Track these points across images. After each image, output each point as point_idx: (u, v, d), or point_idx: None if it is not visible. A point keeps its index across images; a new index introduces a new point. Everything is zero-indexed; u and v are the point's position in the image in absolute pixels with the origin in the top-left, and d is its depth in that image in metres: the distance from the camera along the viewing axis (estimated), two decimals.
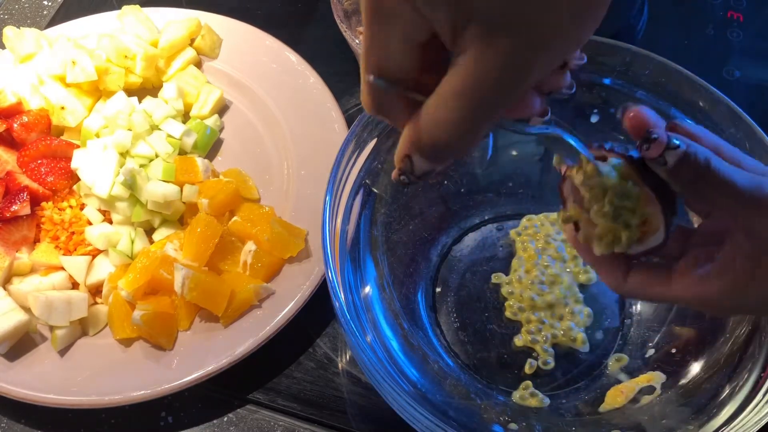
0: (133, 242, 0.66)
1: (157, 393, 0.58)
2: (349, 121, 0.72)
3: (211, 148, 0.74)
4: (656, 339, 0.59)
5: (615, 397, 0.56)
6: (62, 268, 0.65)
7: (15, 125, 0.70)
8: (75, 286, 0.65)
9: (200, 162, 0.69)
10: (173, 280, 0.61)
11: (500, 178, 0.68)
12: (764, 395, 0.47)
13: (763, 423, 0.45)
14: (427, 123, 0.31)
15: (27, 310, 0.61)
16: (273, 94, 0.76)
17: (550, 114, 0.35)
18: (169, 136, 0.71)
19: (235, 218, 0.66)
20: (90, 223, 0.67)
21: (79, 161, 0.67)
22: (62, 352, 0.62)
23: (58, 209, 0.68)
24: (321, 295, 0.62)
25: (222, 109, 0.77)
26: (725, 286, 0.39)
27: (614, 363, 0.59)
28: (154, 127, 0.71)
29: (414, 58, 0.31)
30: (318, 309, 0.63)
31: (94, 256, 0.66)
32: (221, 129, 0.76)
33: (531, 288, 0.62)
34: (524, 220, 0.66)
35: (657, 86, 0.58)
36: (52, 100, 0.72)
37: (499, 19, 0.27)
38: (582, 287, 0.63)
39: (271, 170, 0.72)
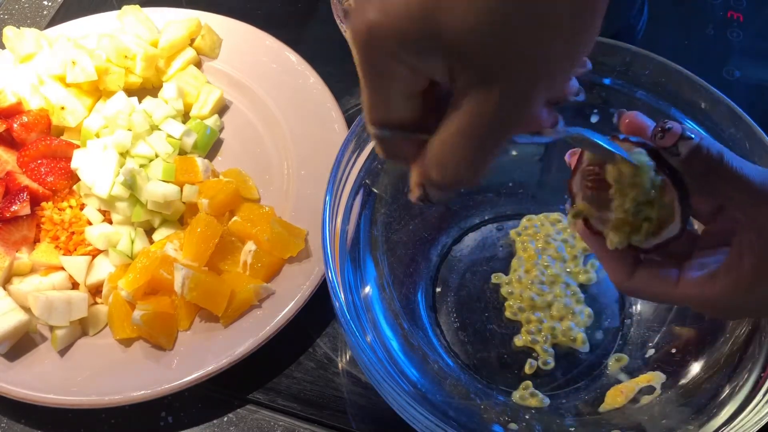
0: (133, 242, 0.66)
1: (157, 393, 0.58)
2: (349, 121, 0.72)
3: (211, 148, 0.74)
4: (656, 339, 0.59)
5: (615, 397, 0.56)
6: (62, 268, 0.65)
7: (15, 125, 0.70)
8: (75, 286, 0.65)
9: (200, 162, 0.69)
10: (173, 280, 0.61)
11: (500, 178, 0.68)
12: (764, 395, 0.47)
13: (763, 423, 0.45)
14: (434, 161, 0.32)
15: (27, 310, 0.61)
16: (273, 94, 0.76)
17: (561, 122, 0.35)
18: (169, 136, 0.71)
19: (235, 218, 0.66)
20: (90, 223, 0.67)
21: (79, 161, 0.67)
22: (62, 352, 0.62)
23: (58, 209, 0.68)
24: (321, 295, 0.62)
25: (222, 109, 0.77)
26: (731, 284, 0.39)
27: (614, 363, 0.59)
28: (154, 127, 0.71)
29: (414, 107, 0.32)
30: (318, 309, 0.63)
31: (94, 256, 0.66)
32: (221, 129, 0.76)
33: (531, 288, 0.62)
34: (524, 220, 0.66)
35: (657, 86, 0.58)
36: (52, 100, 0.72)
37: (488, 66, 0.28)
38: (582, 287, 0.63)
39: (271, 170, 0.72)
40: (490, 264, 0.65)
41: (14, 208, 0.64)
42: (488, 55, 0.28)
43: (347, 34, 0.31)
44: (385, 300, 0.59)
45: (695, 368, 0.54)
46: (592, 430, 0.55)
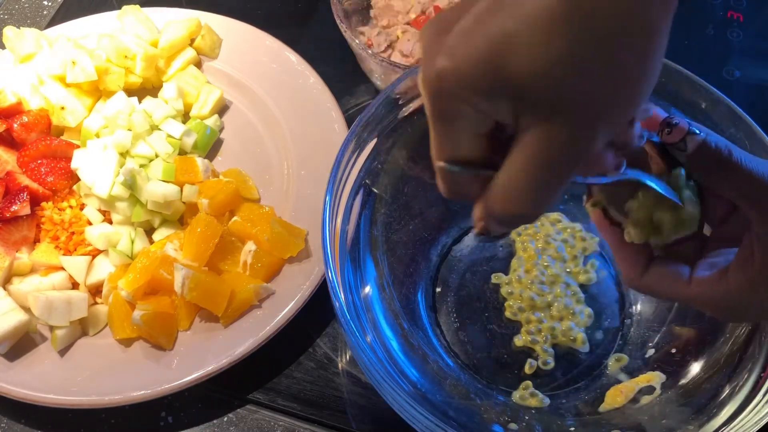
0: (133, 242, 0.66)
1: (157, 393, 0.58)
2: (349, 121, 0.72)
3: (211, 148, 0.74)
4: (656, 339, 0.59)
5: (615, 397, 0.56)
6: (62, 268, 0.65)
7: (15, 125, 0.70)
8: (75, 286, 0.65)
9: (200, 162, 0.69)
10: (173, 280, 0.61)
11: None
12: (764, 395, 0.47)
13: (763, 423, 0.45)
14: (498, 198, 0.33)
15: (27, 310, 0.61)
16: (273, 94, 0.76)
17: (624, 166, 0.36)
18: (169, 136, 0.71)
19: (235, 218, 0.66)
20: (90, 223, 0.67)
21: (79, 161, 0.67)
22: (62, 352, 0.62)
23: (58, 209, 0.68)
24: (321, 295, 0.62)
25: (222, 109, 0.77)
26: (742, 281, 0.39)
27: (614, 363, 0.59)
28: (154, 127, 0.71)
29: (481, 146, 0.33)
30: (318, 309, 0.63)
31: (94, 256, 0.66)
32: (221, 129, 0.76)
33: (531, 288, 0.62)
34: None
35: (657, 86, 0.57)
36: (52, 100, 0.72)
37: (553, 107, 0.29)
38: (582, 287, 0.63)
39: (271, 170, 0.72)
40: (490, 264, 0.65)
41: (14, 208, 0.64)
42: (553, 97, 0.29)
43: (419, 82, 0.32)
44: (385, 300, 0.59)
45: (695, 368, 0.54)
46: (592, 430, 0.55)
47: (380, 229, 0.62)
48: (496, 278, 0.64)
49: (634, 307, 0.62)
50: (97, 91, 0.75)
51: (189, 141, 0.71)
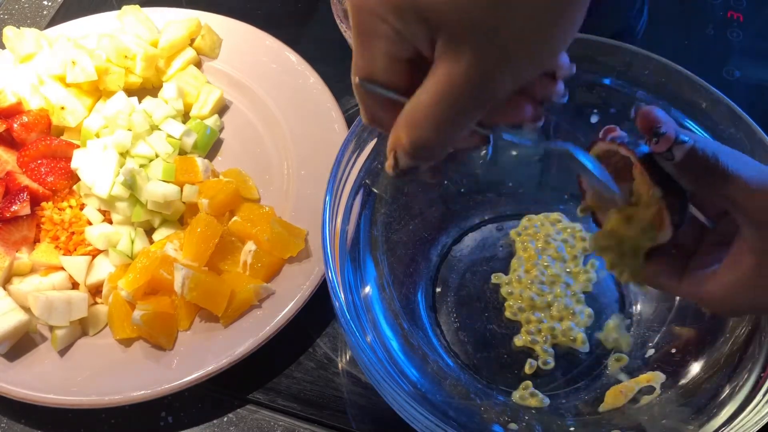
0: (133, 242, 0.66)
1: (157, 393, 0.58)
2: (349, 121, 0.72)
3: (211, 148, 0.74)
4: (656, 339, 0.59)
5: (615, 397, 0.56)
6: (62, 268, 0.65)
7: (15, 125, 0.70)
8: (75, 286, 0.65)
9: (200, 162, 0.69)
10: (173, 280, 0.61)
11: (500, 178, 0.68)
12: (764, 395, 0.47)
13: (763, 423, 0.45)
14: (405, 123, 0.34)
15: (27, 310, 0.61)
16: (273, 94, 0.76)
17: (543, 121, 0.37)
18: (169, 136, 0.71)
19: (235, 218, 0.66)
20: (90, 223, 0.67)
21: (79, 161, 0.67)
22: (62, 352, 0.62)
23: (58, 209, 0.68)
24: (321, 295, 0.62)
25: (222, 109, 0.77)
26: (732, 283, 0.39)
27: (614, 363, 0.59)
28: (154, 127, 0.71)
29: (400, 71, 0.34)
30: (318, 309, 0.63)
31: (94, 256, 0.66)
32: (221, 129, 0.76)
33: (531, 288, 0.62)
34: (524, 220, 0.66)
35: (657, 86, 0.58)
36: (52, 100, 0.72)
37: (462, 33, 0.30)
38: (582, 287, 0.63)
39: (271, 170, 0.72)
40: (490, 264, 0.65)
41: (14, 208, 0.64)
42: (461, 26, 0.30)
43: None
44: (385, 300, 0.59)
45: (695, 368, 0.54)
46: (592, 430, 0.55)
47: (380, 229, 0.62)
48: (496, 278, 0.64)
49: (634, 307, 0.62)
50: (97, 91, 0.75)
51: (189, 141, 0.71)
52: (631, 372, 0.58)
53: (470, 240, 0.67)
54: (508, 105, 0.36)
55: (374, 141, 0.58)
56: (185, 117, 0.75)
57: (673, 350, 0.57)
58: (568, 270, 0.63)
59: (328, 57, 0.79)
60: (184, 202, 0.68)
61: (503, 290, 0.63)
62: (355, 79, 0.35)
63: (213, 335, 0.62)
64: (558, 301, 0.61)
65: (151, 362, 0.61)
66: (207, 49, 0.79)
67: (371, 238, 0.60)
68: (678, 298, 0.60)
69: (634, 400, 0.55)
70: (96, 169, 0.67)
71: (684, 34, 0.81)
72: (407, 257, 0.64)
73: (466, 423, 0.54)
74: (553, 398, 0.57)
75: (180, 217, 0.69)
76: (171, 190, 0.66)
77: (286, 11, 0.87)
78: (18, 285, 0.63)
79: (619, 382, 0.57)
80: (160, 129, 0.71)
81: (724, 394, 0.50)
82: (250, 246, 0.64)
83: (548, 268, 0.63)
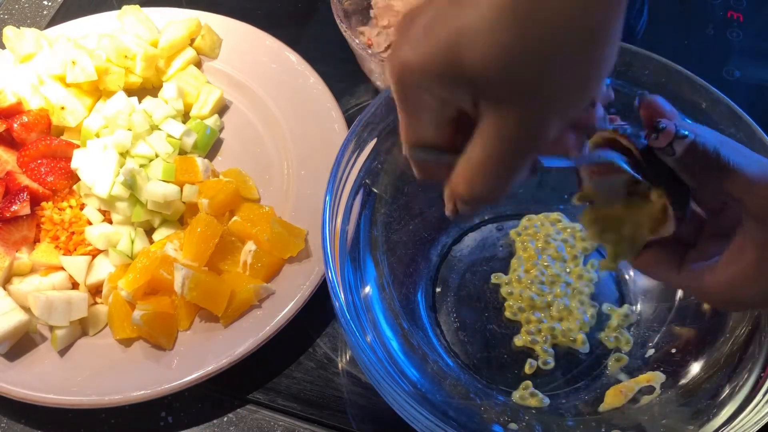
0: (133, 242, 0.66)
1: (157, 393, 0.58)
2: (349, 121, 0.72)
3: (211, 148, 0.74)
4: (656, 339, 0.59)
5: (615, 397, 0.56)
6: (62, 268, 0.65)
7: (15, 125, 0.70)
8: (75, 286, 0.65)
9: (200, 162, 0.69)
10: (173, 280, 0.61)
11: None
12: (764, 395, 0.47)
13: (763, 423, 0.45)
14: (459, 179, 0.35)
15: (27, 310, 0.61)
16: (273, 94, 0.76)
17: (587, 147, 0.38)
18: (169, 136, 0.71)
19: (235, 218, 0.66)
20: (90, 223, 0.67)
21: (79, 161, 0.67)
22: (62, 352, 0.62)
23: (58, 209, 0.68)
24: (321, 295, 0.62)
25: (222, 109, 0.77)
26: (734, 277, 0.39)
27: (614, 363, 0.59)
28: (154, 127, 0.71)
29: (446, 132, 0.35)
30: (318, 309, 0.63)
31: (94, 256, 0.66)
32: (221, 129, 0.76)
33: (531, 288, 0.62)
34: (524, 220, 0.66)
35: (657, 86, 0.58)
36: (52, 100, 0.72)
37: (503, 94, 0.31)
38: (581, 287, 0.63)
39: (271, 170, 0.72)
40: (490, 264, 0.65)
41: (14, 208, 0.64)
42: (503, 85, 0.31)
43: (386, 73, 0.36)
44: (385, 300, 0.59)
45: (695, 368, 0.54)
46: (592, 430, 0.55)
47: (380, 229, 0.62)
48: (496, 278, 0.64)
49: (634, 307, 0.62)
50: (97, 91, 0.75)
51: (189, 141, 0.71)
52: (631, 372, 0.58)
53: (470, 240, 0.67)
54: (555, 142, 0.36)
55: (374, 141, 0.58)
56: (185, 117, 0.75)
57: (673, 350, 0.57)
58: (568, 270, 0.63)
59: (328, 57, 0.79)
60: (184, 202, 0.68)
61: (503, 290, 0.63)
62: (405, 148, 0.37)
63: (213, 335, 0.62)
64: (558, 301, 0.61)
65: (151, 362, 0.61)
66: (207, 49, 0.79)
67: (371, 238, 0.60)
68: (678, 298, 0.60)
69: (634, 400, 0.55)
70: (96, 169, 0.67)
71: (684, 34, 0.81)
72: (407, 257, 0.64)
73: (466, 423, 0.54)
74: (553, 398, 0.57)
75: (180, 217, 0.69)
76: (171, 190, 0.66)
77: (286, 11, 0.87)
78: (18, 285, 0.63)
79: (619, 382, 0.57)
80: (160, 129, 0.71)
81: (724, 394, 0.50)
82: (250, 246, 0.64)
83: (548, 268, 0.63)
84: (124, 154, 0.69)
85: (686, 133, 0.37)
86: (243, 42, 0.79)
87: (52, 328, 0.62)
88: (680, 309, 0.59)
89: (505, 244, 0.66)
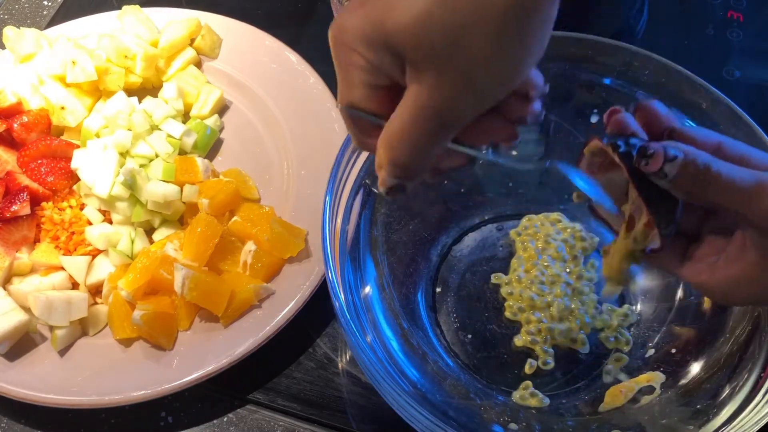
0: (133, 242, 0.66)
1: (157, 393, 0.58)
2: None
3: (211, 148, 0.74)
4: (656, 339, 0.59)
5: (615, 397, 0.56)
6: (62, 268, 0.65)
7: (15, 125, 0.70)
8: (75, 286, 0.65)
9: (200, 162, 0.69)
10: (173, 280, 0.61)
11: (500, 178, 0.68)
12: (764, 395, 0.47)
13: (763, 423, 0.45)
14: (383, 145, 0.36)
15: (27, 310, 0.61)
16: (273, 94, 0.76)
17: (519, 140, 0.39)
18: (169, 136, 0.71)
19: (235, 218, 0.66)
20: (90, 223, 0.67)
21: (79, 161, 0.67)
22: (62, 352, 0.62)
23: (58, 209, 0.68)
24: (321, 295, 0.62)
25: (222, 109, 0.77)
26: (735, 277, 0.39)
27: (614, 363, 0.59)
28: (154, 127, 0.71)
29: (379, 98, 0.36)
30: (318, 309, 0.63)
31: (94, 256, 0.66)
32: (221, 129, 0.76)
33: (531, 288, 0.62)
34: (524, 220, 0.66)
35: (657, 86, 0.58)
36: (52, 100, 0.72)
37: (424, 59, 0.33)
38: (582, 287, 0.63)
39: (271, 170, 0.72)
40: (490, 264, 0.65)
41: (14, 208, 0.64)
42: (420, 51, 0.33)
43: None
44: (385, 300, 0.59)
45: (695, 368, 0.54)
46: (592, 431, 0.55)
47: (380, 229, 0.62)
48: (496, 278, 0.64)
49: (634, 307, 0.62)
50: (97, 91, 0.75)
51: (189, 141, 0.71)
52: (631, 372, 0.58)
53: (470, 240, 0.67)
54: (483, 125, 0.37)
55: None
56: (185, 117, 0.75)
57: (673, 350, 0.57)
58: (568, 270, 0.63)
59: (328, 57, 0.77)
60: (184, 202, 0.68)
61: (503, 290, 0.63)
62: (339, 106, 0.38)
63: (213, 335, 0.62)
64: (558, 301, 0.61)
65: (151, 362, 0.61)
66: (207, 49, 0.79)
67: (371, 238, 0.60)
68: (678, 298, 0.60)
69: (634, 400, 0.55)
70: (96, 169, 0.67)
71: (684, 34, 0.81)
72: (407, 257, 0.64)
73: (466, 423, 0.54)
74: (553, 398, 0.57)
75: (180, 217, 0.69)
76: (171, 190, 0.66)
77: (286, 11, 0.87)
78: (18, 285, 0.63)
79: (619, 382, 0.57)
80: (160, 129, 0.71)
81: (724, 394, 0.50)
82: (250, 246, 0.64)
83: (548, 268, 0.63)
84: (124, 154, 0.69)
85: (676, 153, 0.37)
86: (243, 42, 0.79)
87: (52, 328, 0.62)
88: (680, 309, 0.59)
89: (505, 244, 0.66)
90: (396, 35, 0.33)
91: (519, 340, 0.61)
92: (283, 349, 0.63)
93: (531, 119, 0.38)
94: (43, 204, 0.67)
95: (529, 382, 0.58)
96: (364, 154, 0.57)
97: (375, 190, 0.60)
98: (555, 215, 0.66)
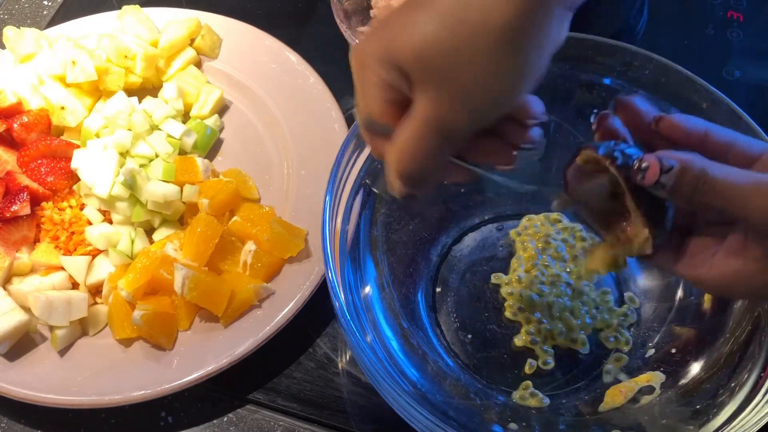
0: (133, 242, 0.66)
1: (157, 393, 0.58)
2: (349, 121, 0.72)
3: (211, 148, 0.74)
4: (656, 339, 0.59)
5: (615, 397, 0.56)
6: (62, 268, 0.65)
7: (15, 125, 0.70)
8: (75, 286, 0.65)
9: (200, 162, 0.69)
10: (173, 280, 0.61)
11: (501, 179, 0.68)
12: (764, 395, 0.47)
13: (763, 423, 0.45)
14: (390, 152, 0.39)
15: (27, 310, 0.61)
16: (273, 94, 0.76)
17: (514, 164, 0.42)
18: (169, 136, 0.71)
19: (235, 218, 0.66)
20: (90, 223, 0.67)
21: (79, 161, 0.67)
22: (62, 352, 0.62)
23: (58, 209, 0.68)
24: (321, 295, 0.62)
25: (222, 109, 0.77)
26: (733, 272, 0.40)
27: (614, 363, 0.59)
28: (154, 127, 0.71)
29: (395, 113, 0.39)
30: (318, 309, 0.63)
31: (94, 256, 0.66)
32: (221, 129, 0.76)
33: (531, 288, 0.62)
34: (524, 220, 0.66)
35: (657, 86, 0.58)
36: (52, 100, 0.72)
37: (427, 78, 0.36)
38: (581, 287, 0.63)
39: (271, 170, 0.72)
40: (490, 264, 0.65)
41: (14, 208, 0.64)
42: (424, 71, 0.36)
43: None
44: (385, 300, 0.59)
45: (695, 368, 0.54)
46: (592, 431, 0.55)
47: (380, 229, 0.62)
48: (496, 278, 0.64)
49: (634, 307, 0.62)
50: (97, 91, 0.75)
51: (189, 141, 0.71)
52: (631, 372, 0.58)
53: (470, 240, 0.67)
54: (482, 147, 0.40)
55: None
56: (185, 117, 0.75)
57: (673, 350, 0.57)
58: (568, 270, 0.63)
59: (328, 57, 0.79)
60: (184, 202, 0.68)
61: (503, 290, 0.63)
62: (359, 118, 0.41)
63: (213, 335, 0.62)
64: (558, 301, 0.61)
65: (151, 362, 0.61)
66: (207, 49, 0.79)
67: (371, 238, 0.60)
68: (678, 298, 0.60)
69: (634, 400, 0.55)
70: (96, 169, 0.67)
71: (684, 34, 0.81)
72: (407, 257, 0.64)
73: (466, 423, 0.54)
74: (553, 398, 0.57)
75: (180, 217, 0.69)
76: (171, 190, 0.66)
77: (286, 11, 0.88)
78: (18, 285, 0.63)
79: (619, 382, 0.57)
80: (160, 129, 0.71)
81: (724, 394, 0.50)
82: (250, 246, 0.64)
83: (548, 268, 0.63)
84: (124, 154, 0.69)
85: (671, 163, 0.38)
86: (243, 42, 0.79)
87: (52, 328, 0.62)
88: (680, 309, 0.59)
89: (505, 244, 0.66)
90: (403, 55, 0.36)
91: (519, 340, 0.61)
92: (283, 349, 0.63)
93: (528, 145, 0.40)
94: (43, 204, 0.67)
95: (529, 382, 0.58)
96: (364, 154, 0.57)
97: (375, 190, 0.60)
98: (555, 215, 0.66)
